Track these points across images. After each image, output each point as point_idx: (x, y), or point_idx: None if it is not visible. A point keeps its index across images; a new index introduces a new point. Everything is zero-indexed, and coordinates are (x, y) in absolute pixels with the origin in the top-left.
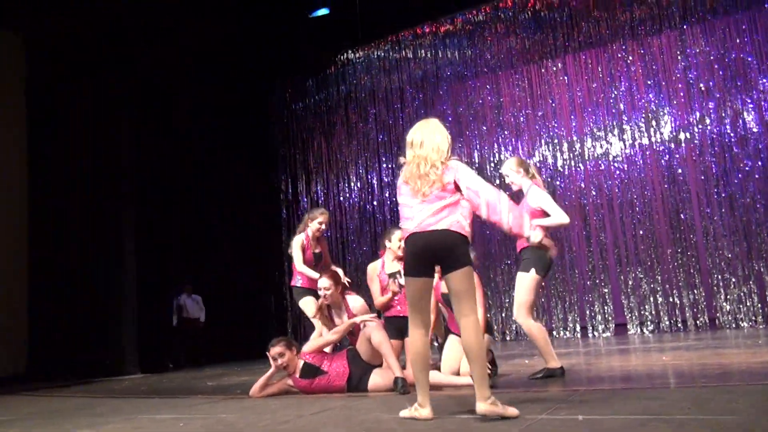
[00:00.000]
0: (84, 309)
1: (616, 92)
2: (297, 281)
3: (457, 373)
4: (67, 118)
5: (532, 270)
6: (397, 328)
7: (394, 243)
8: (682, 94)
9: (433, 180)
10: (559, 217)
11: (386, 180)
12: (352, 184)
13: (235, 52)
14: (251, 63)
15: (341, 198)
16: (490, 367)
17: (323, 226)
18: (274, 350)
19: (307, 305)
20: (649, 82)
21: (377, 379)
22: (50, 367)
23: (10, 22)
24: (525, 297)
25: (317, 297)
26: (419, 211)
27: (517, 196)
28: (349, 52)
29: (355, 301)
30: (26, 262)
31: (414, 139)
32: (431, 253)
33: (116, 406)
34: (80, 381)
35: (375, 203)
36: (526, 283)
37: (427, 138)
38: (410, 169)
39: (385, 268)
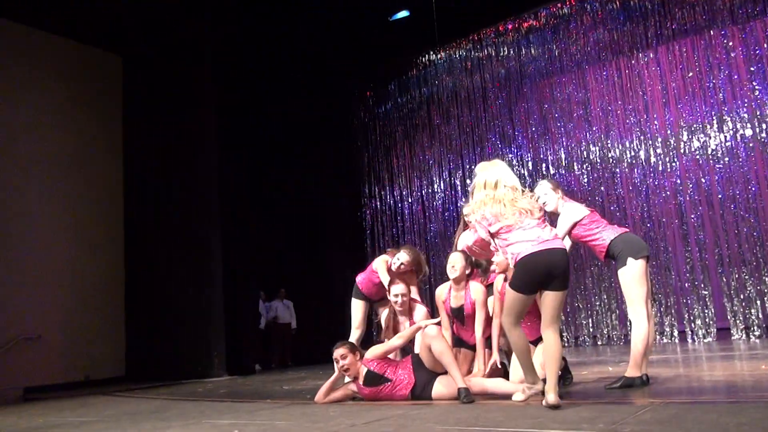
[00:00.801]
0: (175, 315)
1: (714, 81)
2: (360, 281)
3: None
4: (158, 121)
5: (629, 260)
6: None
7: (449, 271)
8: None
9: (534, 206)
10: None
11: (470, 182)
12: (436, 186)
13: (317, 58)
14: (332, 69)
15: (425, 201)
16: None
17: (402, 267)
18: (337, 352)
19: (355, 307)
20: (752, 69)
21: (441, 388)
22: (146, 370)
23: (111, 43)
24: (634, 290)
25: (369, 305)
26: (537, 232)
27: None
28: (431, 53)
29: (419, 310)
30: (123, 271)
31: (491, 178)
32: (551, 270)
33: (186, 409)
34: (170, 383)
35: (459, 205)
36: (629, 275)
37: (506, 173)
38: (503, 197)
39: (450, 298)
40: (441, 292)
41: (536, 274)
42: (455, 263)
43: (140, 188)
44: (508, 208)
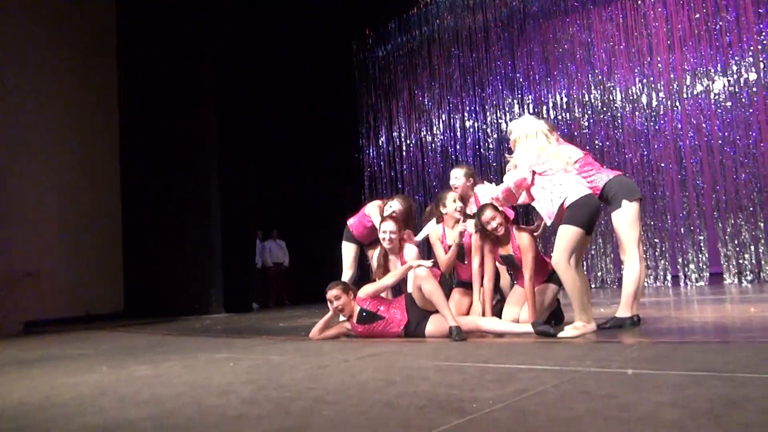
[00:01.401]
0: (174, 252)
1: (721, 24)
2: (352, 225)
3: (517, 322)
4: (156, 64)
5: (624, 202)
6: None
7: (450, 206)
8: None
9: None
10: None
11: (469, 123)
12: (435, 128)
13: (316, 28)
14: (334, 7)
15: (424, 142)
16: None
17: (394, 216)
18: (331, 293)
19: (346, 250)
20: (761, 11)
21: (434, 326)
22: (144, 306)
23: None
24: (627, 232)
25: (360, 249)
26: (584, 180)
27: None
28: None
29: (409, 249)
30: (120, 208)
31: (540, 129)
32: (598, 214)
33: (182, 344)
34: (167, 319)
35: (458, 147)
36: (624, 217)
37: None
38: (545, 146)
39: (446, 234)
40: (436, 231)
41: (592, 214)
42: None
43: (136, 123)
44: (552, 157)
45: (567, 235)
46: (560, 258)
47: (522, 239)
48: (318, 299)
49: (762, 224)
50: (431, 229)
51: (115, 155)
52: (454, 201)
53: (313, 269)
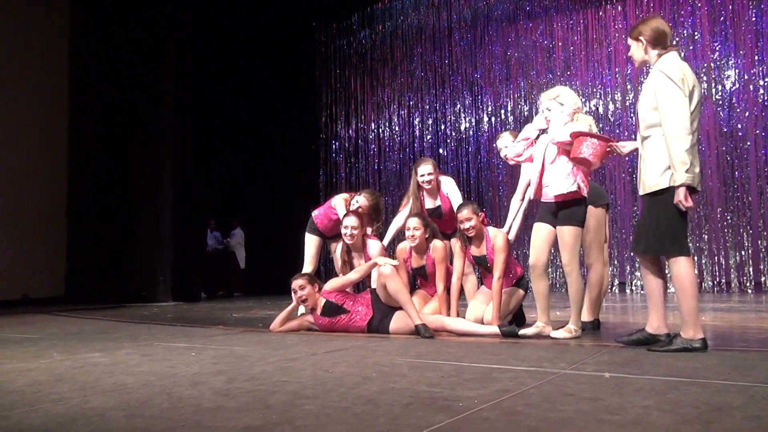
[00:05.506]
0: (121, 236)
1: (678, 39)
2: (317, 216)
3: (481, 322)
4: (110, 39)
5: (589, 207)
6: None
7: (408, 236)
8: (750, 44)
9: None
10: None
11: (429, 122)
12: (393, 124)
13: None
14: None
15: (380, 138)
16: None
17: (360, 211)
18: (296, 282)
19: (309, 242)
20: (715, 30)
21: (398, 323)
22: (87, 292)
23: None
24: (594, 236)
25: (323, 241)
26: None
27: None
28: None
29: (373, 245)
30: (66, 188)
31: None
32: None
33: (135, 331)
34: (112, 306)
35: (416, 145)
36: (590, 221)
37: None
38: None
39: (411, 258)
40: (402, 249)
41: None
42: (415, 232)
43: (87, 102)
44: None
45: (574, 236)
46: (573, 261)
47: (497, 240)
48: (270, 291)
49: (706, 236)
50: (399, 247)
51: (63, 129)
52: (413, 237)
53: (266, 262)
